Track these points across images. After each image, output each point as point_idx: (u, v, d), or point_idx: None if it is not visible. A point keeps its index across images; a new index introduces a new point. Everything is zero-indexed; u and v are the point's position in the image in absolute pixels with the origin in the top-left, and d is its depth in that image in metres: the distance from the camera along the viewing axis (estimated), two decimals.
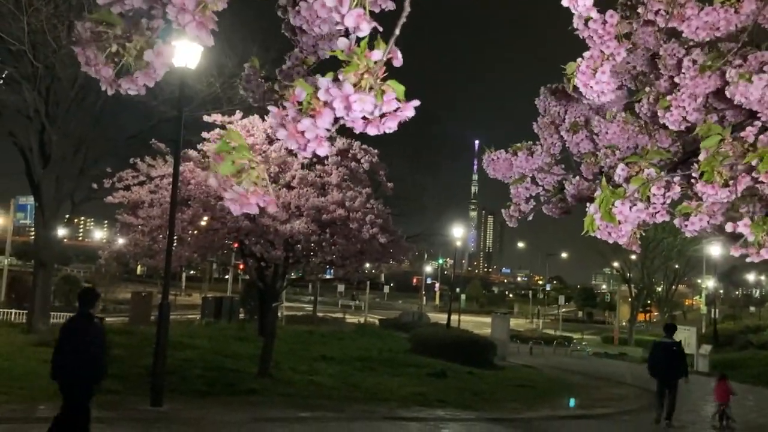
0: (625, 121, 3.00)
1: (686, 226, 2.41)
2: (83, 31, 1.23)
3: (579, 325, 76.60)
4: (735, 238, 2.16)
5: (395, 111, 1.14)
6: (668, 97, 2.52)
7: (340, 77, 1.10)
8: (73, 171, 19.74)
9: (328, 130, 1.13)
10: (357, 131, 1.18)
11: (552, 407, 15.58)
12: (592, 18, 2.12)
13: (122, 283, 51.90)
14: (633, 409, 16.41)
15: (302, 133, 1.12)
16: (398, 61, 1.14)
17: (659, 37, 2.78)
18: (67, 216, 23.16)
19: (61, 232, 23.20)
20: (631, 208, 2.23)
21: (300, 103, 1.13)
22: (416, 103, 1.15)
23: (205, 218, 14.92)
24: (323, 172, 15.77)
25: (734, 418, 13.71)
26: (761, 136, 2.18)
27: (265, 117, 15.48)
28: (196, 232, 15.23)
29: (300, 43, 1.95)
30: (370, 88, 1.10)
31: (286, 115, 1.12)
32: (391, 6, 2.06)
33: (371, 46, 1.13)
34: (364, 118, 1.14)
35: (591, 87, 2.20)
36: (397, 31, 1.12)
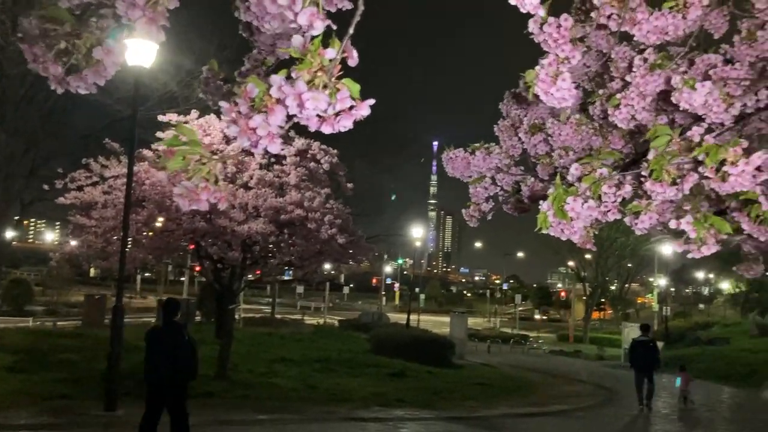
0: (578, 123, 3.07)
1: (636, 224, 2.47)
2: (30, 27, 1.20)
3: (535, 324, 77.72)
4: (682, 235, 2.23)
5: (350, 109, 1.14)
6: (618, 96, 2.59)
7: (294, 75, 1.10)
8: (22, 171, 19.17)
9: (281, 127, 1.12)
10: (312, 129, 1.17)
11: (510, 405, 15.76)
12: (546, 21, 2.16)
13: (75, 285, 50.62)
14: (589, 406, 16.74)
15: (254, 129, 1.11)
16: (353, 60, 1.14)
17: (611, 41, 2.85)
18: (16, 217, 22.48)
19: (10, 234, 22.48)
20: (582, 205, 2.28)
21: (253, 100, 1.12)
22: (371, 101, 1.15)
23: (161, 219, 14.65)
24: (281, 172, 15.65)
25: (693, 400, 16.49)
26: (707, 136, 2.26)
27: (222, 116, 15.30)
28: (151, 233, 14.95)
29: (258, 43, 1.94)
30: (324, 87, 1.10)
31: (239, 112, 1.11)
32: (348, 5, 2.06)
33: (326, 45, 1.13)
34: (318, 116, 1.14)
35: (552, 94, 2.23)
36: (351, 30, 1.12)
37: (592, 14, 2.44)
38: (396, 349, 22.81)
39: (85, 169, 14.90)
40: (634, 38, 2.48)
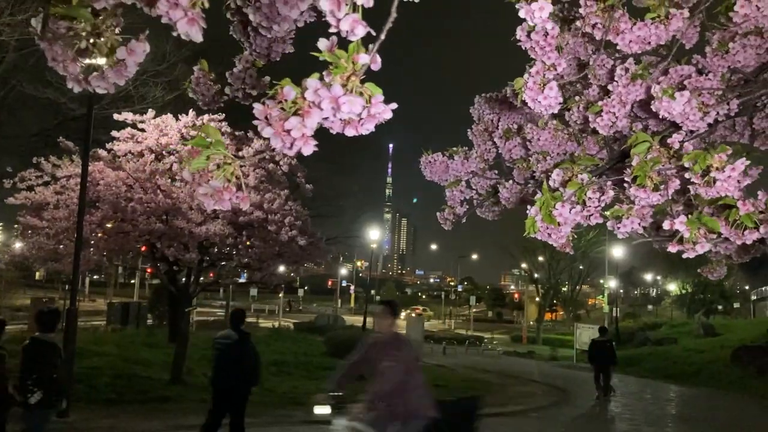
0: (556, 129, 3.13)
1: (618, 228, 2.54)
2: (53, 26, 1.17)
3: (489, 325, 78.64)
4: (665, 238, 2.30)
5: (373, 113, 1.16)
6: (599, 103, 2.66)
7: (327, 79, 1.11)
8: None
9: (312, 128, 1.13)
10: (334, 132, 1.18)
11: None
12: (534, 29, 2.21)
13: (20, 288, 48.98)
14: (543, 406, 17.03)
15: (288, 131, 1.11)
16: (377, 65, 1.16)
17: (588, 48, 2.92)
18: None
19: None
20: (570, 210, 2.33)
21: (284, 102, 1.12)
22: (394, 105, 1.17)
23: (113, 221, 14.30)
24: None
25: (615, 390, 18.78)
26: (686, 143, 2.34)
27: (180, 116, 15.03)
28: (104, 234, 14.57)
29: (252, 45, 1.93)
30: (354, 91, 1.11)
31: (271, 114, 1.11)
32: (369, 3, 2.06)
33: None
34: (342, 119, 1.15)
35: (539, 102, 2.28)
36: (383, 36, 1.13)
37: (578, 23, 2.50)
38: (352, 351, 22.73)
39: (35, 169, 14.44)
40: (617, 47, 2.56)
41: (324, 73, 1.11)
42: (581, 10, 2.43)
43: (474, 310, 77.34)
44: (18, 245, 16.29)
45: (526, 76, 2.31)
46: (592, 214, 2.40)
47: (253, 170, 15.42)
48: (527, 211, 2.39)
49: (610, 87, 2.68)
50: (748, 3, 2.38)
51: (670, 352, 32.36)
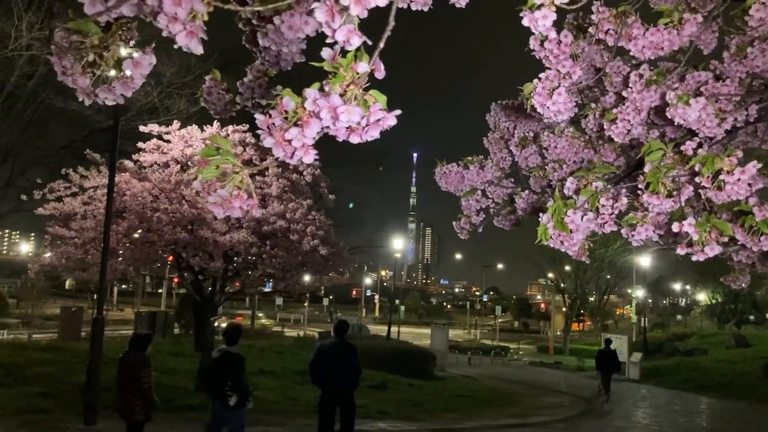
0: (572, 136, 3.12)
1: (633, 235, 2.52)
2: (60, 40, 1.21)
3: (516, 335, 78.00)
4: (678, 244, 2.28)
5: (378, 120, 1.17)
6: (614, 110, 2.64)
7: (326, 88, 1.12)
8: None
9: (313, 138, 1.15)
10: (340, 139, 1.20)
11: (491, 417, 15.79)
12: (547, 38, 2.20)
13: (50, 298, 49.84)
14: (569, 417, 16.82)
15: (289, 141, 1.13)
16: (380, 73, 1.17)
17: (604, 55, 2.91)
18: None
19: None
20: (582, 217, 2.32)
21: (285, 112, 1.14)
22: (398, 112, 1.18)
23: (139, 231, 14.50)
24: (263, 184, 15.61)
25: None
26: (700, 150, 2.31)
27: (204, 127, 15.22)
28: (130, 244, 14.78)
29: (263, 55, 1.96)
30: (355, 99, 1.12)
31: (273, 124, 1.13)
32: (364, 14, 2.09)
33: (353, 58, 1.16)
34: (347, 127, 1.16)
35: (548, 107, 2.28)
36: (382, 44, 1.15)
37: (591, 29, 2.49)
38: (376, 361, 22.72)
39: (64, 180, 14.72)
40: (630, 53, 2.54)
41: (323, 82, 1.13)
42: (593, 17, 2.42)
43: (500, 320, 76.81)
44: (48, 255, 16.56)
45: (535, 81, 2.31)
46: (606, 222, 2.38)
47: (277, 180, 15.54)
48: (539, 219, 2.38)
49: (624, 93, 2.66)
50: (764, 6, 2.35)
51: (700, 363, 31.74)
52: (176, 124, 15.27)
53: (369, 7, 1.03)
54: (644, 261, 44.78)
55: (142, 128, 14.98)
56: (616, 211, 2.39)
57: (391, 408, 15.05)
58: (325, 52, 1.14)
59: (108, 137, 14.36)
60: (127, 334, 31.47)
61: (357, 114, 1.11)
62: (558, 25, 2.29)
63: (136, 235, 14.71)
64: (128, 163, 14.68)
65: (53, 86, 17.89)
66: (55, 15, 14.53)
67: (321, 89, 1.13)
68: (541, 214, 2.39)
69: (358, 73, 1.13)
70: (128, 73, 1.25)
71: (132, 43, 1.27)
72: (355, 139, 1.18)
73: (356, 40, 1.09)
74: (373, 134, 1.18)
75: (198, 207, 14.20)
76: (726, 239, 2.19)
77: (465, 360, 36.74)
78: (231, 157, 1.20)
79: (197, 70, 19.90)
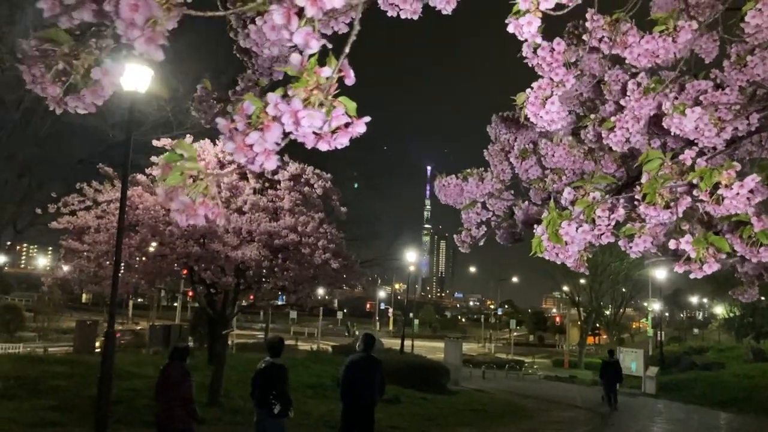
0: (570, 146, 3.08)
1: (631, 247, 2.47)
2: (29, 48, 1.20)
3: (530, 349, 77.35)
4: (679, 257, 2.23)
5: (347, 126, 1.15)
6: (612, 119, 2.61)
7: (290, 93, 1.11)
8: (16, 196, 19.09)
9: (277, 144, 1.13)
10: (308, 146, 1.18)
11: (505, 431, 15.63)
12: (539, 46, 2.18)
13: (66, 311, 50.16)
14: None
15: (251, 146, 1.11)
16: (350, 79, 1.15)
17: (604, 64, 2.88)
18: (8, 243, 22.36)
19: (2, 259, 22.36)
20: (577, 229, 2.28)
21: (249, 117, 1.12)
22: (367, 119, 1.16)
23: (154, 244, 14.59)
24: (275, 197, 15.65)
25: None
26: (699, 160, 2.27)
27: (217, 141, 15.30)
28: (143, 258, 14.86)
29: (254, 65, 1.95)
30: (320, 104, 1.10)
31: (235, 128, 1.12)
32: (344, 29, 2.08)
33: (323, 64, 1.14)
34: (316, 133, 1.15)
35: (541, 117, 2.25)
36: (347, 49, 1.13)
37: (584, 37, 2.46)
38: (390, 375, 22.54)
39: (78, 194, 14.86)
40: (626, 62, 2.51)
41: (287, 86, 1.12)
42: (587, 24, 2.40)
43: (515, 333, 76.24)
44: (65, 268, 16.70)
45: (528, 90, 2.28)
46: (603, 233, 2.34)
47: (289, 193, 15.58)
48: (534, 231, 2.35)
49: (623, 102, 2.62)
50: (760, 13, 2.31)
51: (717, 377, 31.24)
52: (189, 138, 15.36)
53: (325, 9, 1.01)
54: (659, 274, 44.28)
55: (155, 142, 15.09)
56: (613, 222, 2.35)
57: (404, 422, 14.94)
58: (294, 59, 1.12)
59: (122, 151, 14.45)
60: (141, 348, 31.57)
61: (319, 119, 1.09)
62: (551, 34, 2.27)
63: (152, 249, 14.80)
64: (141, 177, 14.80)
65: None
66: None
67: (285, 95, 1.11)
68: (536, 226, 2.35)
69: (324, 78, 1.11)
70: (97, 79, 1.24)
71: (106, 51, 1.25)
72: (323, 147, 1.16)
73: (315, 44, 1.07)
74: (342, 141, 1.16)
75: (209, 220, 14.25)
76: (723, 256, 2.14)
77: (479, 374, 36.45)
78: (196, 162, 1.18)
79: (215, 84, 20.04)
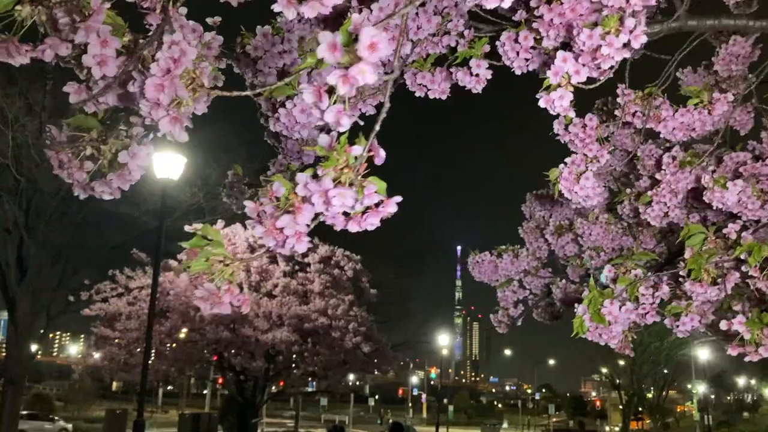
0: (608, 223, 3.01)
1: (677, 326, 2.35)
2: (58, 134, 1.20)
3: None
4: (728, 337, 2.10)
5: (377, 207, 1.11)
6: (649, 193, 2.54)
7: (320, 172, 1.07)
8: (50, 283, 19.32)
9: (307, 225, 1.09)
10: (338, 228, 1.14)
11: None
12: (571, 121, 2.15)
13: (97, 400, 49.88)
14: None
15: (281, 229, 1.07)
16: (380, 158, 1.12)
17: (635, 139, 2.84)
18: (41, 330, 22.48)
19: (34, 347, 22.43)
20: (620, 308, 2.18)
21: (278, 199, 1.09)
22: (398, 198, 1.12)
23: (184, 330, 14.55)
24: (305, 280, 15.63)
25: None
26: (744, 233, 2.18)
27: (248, 225, 15.49)
28: (174, 344, 14.81)
29: (284, 150, 1.96)
30: (350, 184, 1.07)
31: (263, 211, 1.08)
32: (372, 111, 2.08)
33: (352, 143, 1.11)
34: (345, 214, 1.11)
35: (576, 192, 2.20)
36: (378, 127, 1.11)
37: (617, 112, 2.44)
38: None
39: (110, 281, 15.02)
40: (660, 135, 2.47)
41: (317, 166, 1.09)
42: (618, 99, 2.38)
43: (554, 419, 73.44)
44: (96, 355, 16.70)
45: (561, 166, 2.24)
46: (648, 312, 2.23)
47: (318, 276, 15.56)
48: (575, 310, 2.25)
49: (658, 176, 2.57)
50: None
51: None
52: (220, 223, 15.55)
53: (357, 85, 0.98)
54: (702, 354, 42.71)
55: (186, 228, 15.25)
56: (658, 300, 2.25)
57: None
58: (322, 138, 1.10)
59: (155, 238, 14.66)
60: None
61: (350, 197, 1.05)
62: (579, 112, 2.24)
63: (181, 335, 14.76)
64: (172, 263, 14.93)
65: None
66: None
67: (314, 175, 1.08)
68: (576, 305, 2.26)
69: (354, 157, 1.08)
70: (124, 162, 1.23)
71: (136, 139, 1.25)
72: (353, 228, 1.12)
73: (346, 121, 1.05)
74: (373, 221, 1.11)
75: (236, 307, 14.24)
76: None
77: None
78: (221, 248, 1.14)
79: (246, 171, 20.46)
